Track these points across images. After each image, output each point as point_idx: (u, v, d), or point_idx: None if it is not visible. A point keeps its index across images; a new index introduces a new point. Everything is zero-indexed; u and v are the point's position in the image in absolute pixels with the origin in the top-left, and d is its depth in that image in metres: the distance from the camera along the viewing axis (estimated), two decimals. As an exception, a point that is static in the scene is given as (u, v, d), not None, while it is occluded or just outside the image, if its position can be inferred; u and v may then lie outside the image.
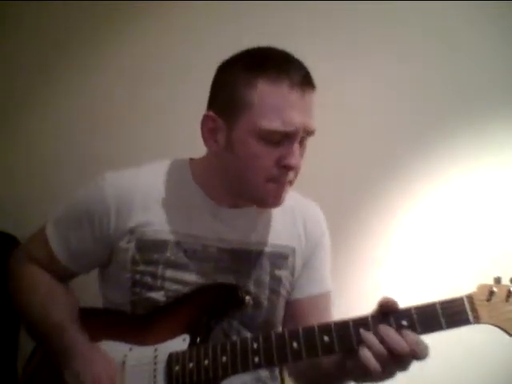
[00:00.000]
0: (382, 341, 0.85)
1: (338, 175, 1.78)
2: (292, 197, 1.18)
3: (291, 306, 1.16)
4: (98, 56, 1.92)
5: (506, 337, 0.85)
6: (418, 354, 0.84)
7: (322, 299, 1.17)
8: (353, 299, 1.52)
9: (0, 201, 1.87)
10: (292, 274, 1.14)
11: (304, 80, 0.98)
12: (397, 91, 1.79)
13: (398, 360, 0.85)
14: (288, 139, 0.98)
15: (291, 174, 1.02)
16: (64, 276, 1.17)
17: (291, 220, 1.16)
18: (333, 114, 1.72)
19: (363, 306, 0.94)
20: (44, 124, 1.93)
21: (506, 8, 1.73)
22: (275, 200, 1.04)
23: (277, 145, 0.98)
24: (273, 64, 0.98)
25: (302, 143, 1.01)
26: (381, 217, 1.78)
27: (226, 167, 1.06)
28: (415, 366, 0.86)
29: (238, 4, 1.81)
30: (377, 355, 0.85)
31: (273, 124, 0.96)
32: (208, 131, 1.04)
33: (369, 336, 0.86)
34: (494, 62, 1.76)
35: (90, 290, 1.17)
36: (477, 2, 1.76)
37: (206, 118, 1.04)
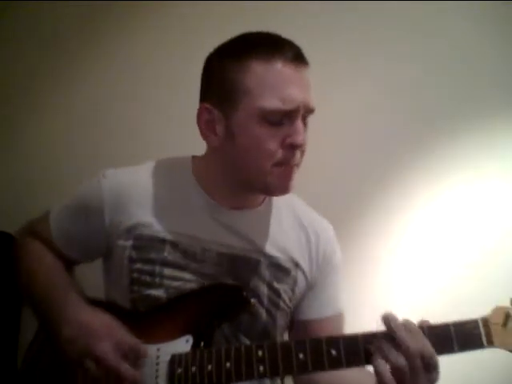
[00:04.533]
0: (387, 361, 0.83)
1: (338, 177, 1.77)
2: (303, 212, 1.15)
3: (301, 327, 1.13)
4: (98, 56, 1.93)
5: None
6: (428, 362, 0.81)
7: (333, 321, 1.13)
8: (353, 300, 1.52)
9: (0, 201, 1.89)
10: (292, 290, 1.10)
11: (297, 56, 0.96)
12: (397, 93, 1.78)
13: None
14: (290, 117, 0.95)
15: (298, 155, 0.98)
16: (64, 261, 1.15)
17: (299, 234, 1.12)
18: (332, 116, 1.71)
19: (370, 310, 0.92)
20: (44, 124, 1.94)
21: (507, 8, 1.71)
22: (285, 184, 1.00)
23: (279, 125, 0.95)
24: (263, 44, 0.96)
25: (303, 121, 0.98)
26: (381, 218, 1.77)
27: (228, 161, 1.02)
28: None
29: (237, 4, 1.80)
30: (394, 368, 0.82)
31: (272, 103, 0.93)
32: (205, 124, 1.01)
33: (380, 364, 0.83)
34: (495, 63, 1.74)
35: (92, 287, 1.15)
36: (478, 2, 1.74)
37: (201, 111, 1.01)
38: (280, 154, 0.96)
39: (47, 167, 1.90)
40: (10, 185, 1.91)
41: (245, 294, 1.02)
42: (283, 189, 1.01)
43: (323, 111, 1.64)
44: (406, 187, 1.77)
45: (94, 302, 1.10)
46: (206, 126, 1.01)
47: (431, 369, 0.82)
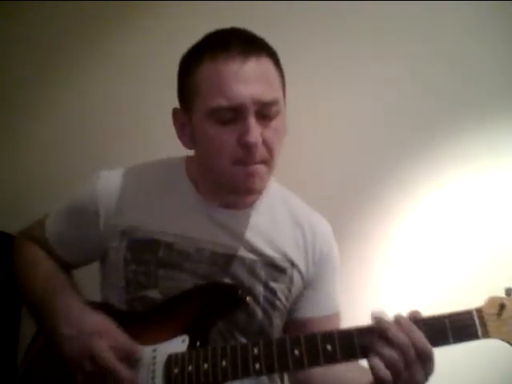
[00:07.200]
0: (392, 343, 0.81)
1: (339, 178, 1.75)
2: (299, 209, 1.14)
3: (296, 325, 1.12)
4: (99, 56, 1.93)
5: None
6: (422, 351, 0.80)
7: (329, 320, 1.11)
8: (355, 302, 1.51)
9: (0, 201, 1.90)
10: (289, 289, 1.09)
11: (245, 48, 0.93)
12: (397, 93, 1.77)
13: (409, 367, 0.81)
14: (240, 115, 0.92)
15: (260, 153, 0.94)
16: (61, 264, 1.16)
17: (295, 232, 1.10)
18: (332, 117, 1.69)
19: (365, 309, 0.91)
20: (44, 125, 1.95)
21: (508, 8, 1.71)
22: (247, 184, 0.96)
23: (232, 123, 0.93)
24: (210, 44, 0.97)
25: (265, 117, 0.94)
26: (381, 219, 1.76)
27: (200, 162, 1.03)
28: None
29: (237, 4, 1.79)
30: (388, 364, 0.81)
31: (216, 101, 0.92)
32: (178, 127, 1.03)
33: (375, 360, 0.82)
34: (495, 62, 1.73)
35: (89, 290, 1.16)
36: (479, 2, 1.73)
37: (173, 114, 1.03)
38: (238, 152, 0.93)
39: (47, 167, 1.91)
40: (10, 185, 1.93)
41: (240, 292, 1.02)
42: (246, 188, 0.98)
43: (323, 110, 1.63)
44: (406, 186, 1.76)
45: (91, 305, 1.09)
46: (179, 128, 1.03)
47: (426, 359, 0.81)
